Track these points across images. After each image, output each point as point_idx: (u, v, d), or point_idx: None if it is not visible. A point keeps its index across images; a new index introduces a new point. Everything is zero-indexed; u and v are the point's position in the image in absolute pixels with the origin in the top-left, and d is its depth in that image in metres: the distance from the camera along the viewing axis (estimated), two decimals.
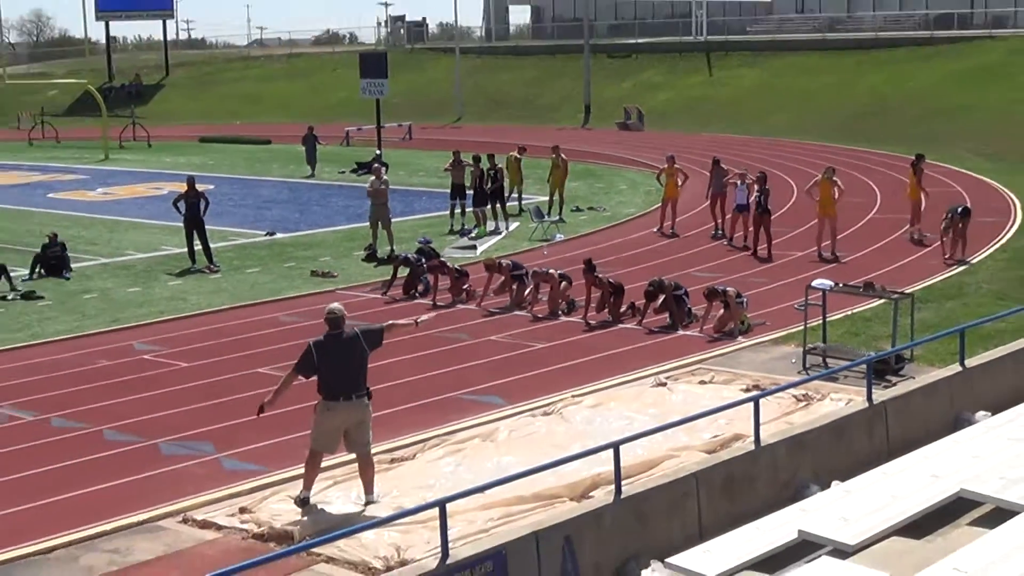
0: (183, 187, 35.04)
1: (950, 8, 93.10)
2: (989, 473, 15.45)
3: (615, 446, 14.44)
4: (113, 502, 16.85)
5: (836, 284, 24.48)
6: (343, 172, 56.86)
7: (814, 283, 24.07)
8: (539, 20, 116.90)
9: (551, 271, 28.21)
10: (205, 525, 16.09)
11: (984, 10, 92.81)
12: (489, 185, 39.63)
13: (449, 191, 41.40)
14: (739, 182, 35.42)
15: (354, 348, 16.37)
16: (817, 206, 33.71)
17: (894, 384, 19.84)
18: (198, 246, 34.27)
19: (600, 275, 27.39)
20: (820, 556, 13.35)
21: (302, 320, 27.05)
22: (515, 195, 43.07)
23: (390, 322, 17.74)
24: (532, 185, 43.48)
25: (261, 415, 16.69)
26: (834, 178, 33.84)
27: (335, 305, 16.91)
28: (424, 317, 18.22)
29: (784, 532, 14.04)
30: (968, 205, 33.89)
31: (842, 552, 13.43)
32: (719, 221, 37.13)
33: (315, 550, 14.41)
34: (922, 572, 12.31)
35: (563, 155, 42.63)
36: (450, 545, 12.77)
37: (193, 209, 34.18)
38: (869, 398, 17.70)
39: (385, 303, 29.09)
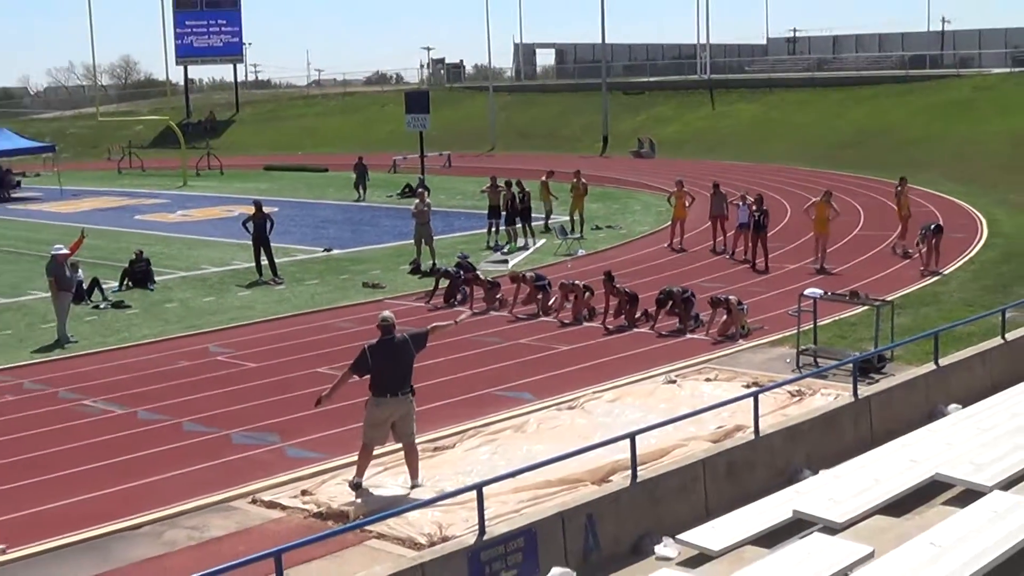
0: (251, 209, 35.11)
1: (923, 51, 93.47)
2: (960, 459, 15.44)
3: (631, 436, 14.44)
4: (191, 485, 16.88)
5: (825, 293, 24.46)
6: (391, 196, 56.89)
7: (806, 292, 24.07)
8: (562, 62, 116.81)
9: (575, 282, 28.21)
10: (271, 505, 16.12)
11: (953, 52, 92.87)
12: (518, 206, 39.70)
13: (487, 212, 41.49)
14: (740, 203, 35.41)
15: (404, 351, 16.39)
16: (813, 224, 33.68)
17: (877, 381, 19.74)
18: (264, 261, 34.34)
19: (617, 285, 27.35)
20: (812, 532, 13.33)
21: (355, 326, 27.07)
22: (542, 214, 43.02)
23: (433, 324, 17.73)
24: (558, 206, 43.36)
25: (318, 407, 16.75)
26: (831, 201, 33.78)
27: (387, 313, 16.92)
28: (462, 316, 18.30)
29: (780, 511, 14.03)
30: (940, 223, 33.88)
31: (831, 529, 13.41)
32: (719, 239, 37.04)
33: (367, 528, 14.38)
34: (902, 546, 12.27)
35: (583, 179, 42.59)
36: (486, 523, 12.77)
37: (260, 229, 34.25)
38: (855, 393, 17.69)
39: (428, 310, 29.07)
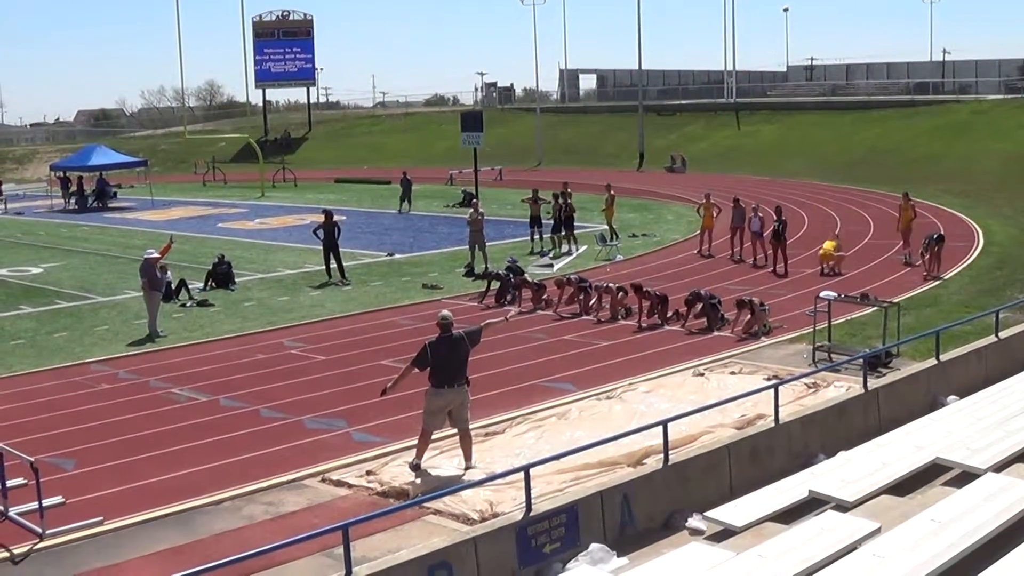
0: (322, 218, 35.20)
1: (926, 78, 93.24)
2: (959, 444, 15.45)
3: (664, 423, 14.46)
4: (268, 465, 16.97)
5: (839, 295, 24.37)
6: (448, 206, 56.92)
7: (821, 294, 23.96)
8: (603, 86, 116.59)
9: (609, 285, 28.22)
10: (339, 484, 16.18)
11: (953, 80, 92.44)
12: (563, 215, 39.72)
13: (528, 221, 41.52)
14: (752, 215, 35.42)
15: (460, 347, 16.43)
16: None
17: (884, 375, 19.65)
18: (333, 265, 34.46)
19: (648, 289, 27.38)
20: (825, 510, 13.31)
21: (415, 323, 27.14)
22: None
23: (487, 322, 17.80)
24: (593, 215, 43.29)
25: (383, 396, 16.81)
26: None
27: (446, 312, 16.96)
28: (512, 313, 18.33)
29: (797, 491, 14.03)
30: (942, 233, 33.74)
31: (843, 507, 13.40)
32: (737, 248, 36.90)
33: (426, 505, 14.42)
34: (906, 522, 12.26)
35: (612, 191, 42.40)
36: (532, 501, 12.80)
37: (329, 235, 34.37)
38: (864, 385, 17.65)
39: (481, 309, 29.10)
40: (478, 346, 17.06)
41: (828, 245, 33.70)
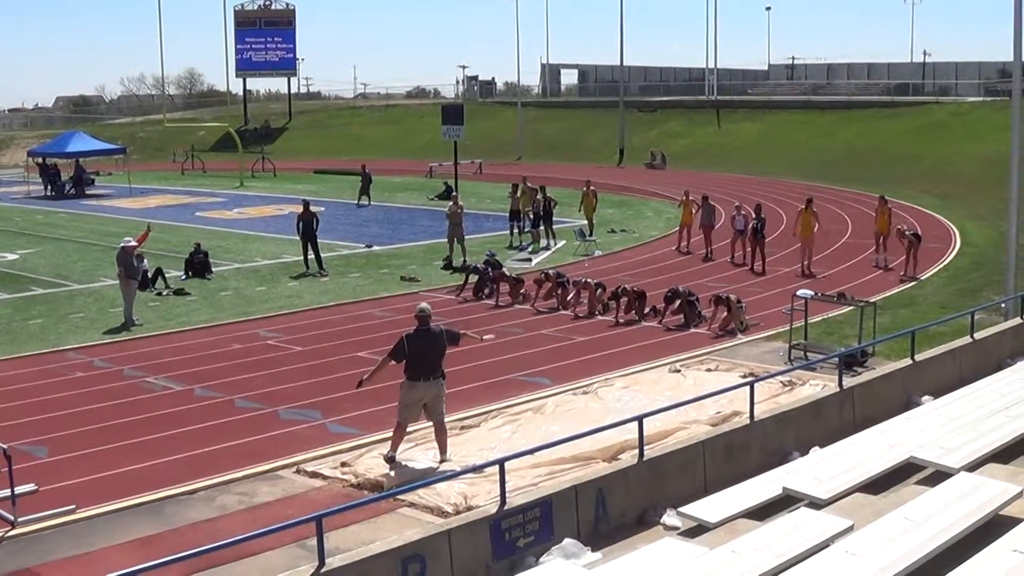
0: (300, 208, 35.22)
1: (907, 79, 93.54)
2: (932, 444, 15.48)
3: (639, 419, 14.44)
4: (242, 456, 16.96)
5: (816, 294, 24.45)
6: (431, 199, 56.82)
7: (798, 293, 24.04)
8: (584, 81, 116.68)
9: (588, 280, 28.24)
10: (314, 475, 16.18)
11: (933, 81, 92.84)
12: (542, 210, 39.75)
13: (508, 215, 41.61)
14: (736, 213, 35.43)
15: (438, 341, 16.47)
16: (798, 231, 33.72)
17: (859, 373, 19.70)
18: (311, 255, 34.44)
19: (625, 286, 27.43)
20: (799, 508, 13.32)
21: (392, 315, 27.15)
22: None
23: (465, 332, 17.84)
24: (573, 211, 43.32)
25: (359, 388, 16.81)
26: (813, 209, 33.80)
27: (424, 305, 16.96)
28: (488, 337, 18.16)
29: (771, 488, 14.04)
30: (919, 232, 33.84)
31: (816, 504, 13.41)
32: (710, 247, 36.94)
33: (400, 497, 14.46)
34: (879, 520, 12.28)
35: (593, 187, 42.51)
36: (507, 495, 12.79)
37: (308, 226, 34.34)
38: (840, 384, 17.68)
39: (458, 303, 29.12)
40: (455, 348, 17.11)
41: (804, 220, 33.58)
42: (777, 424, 16.30)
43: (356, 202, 55.55)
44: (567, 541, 12.80)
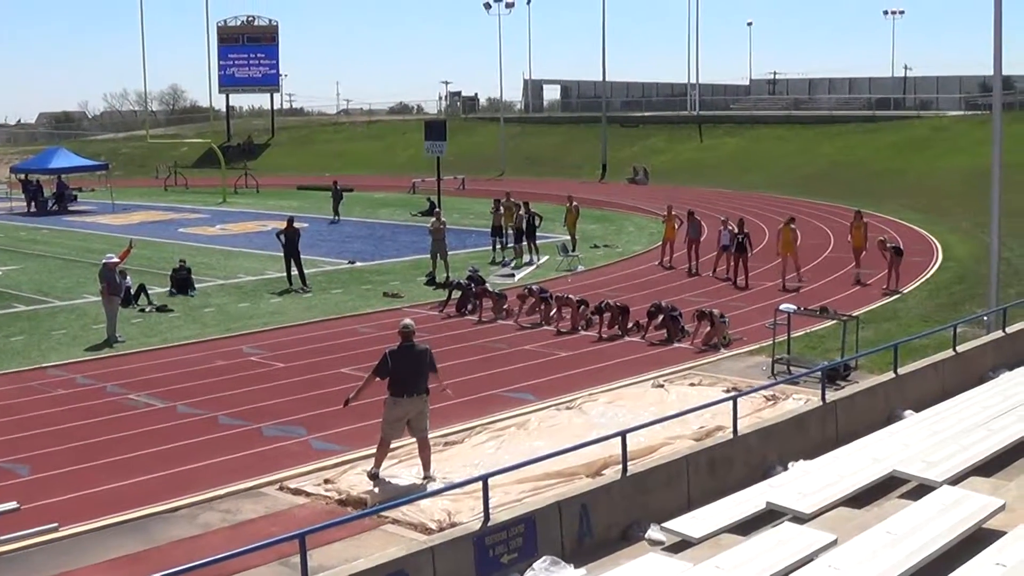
0: (284, 224, 35.17)
1: (888, 94, 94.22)
2: (915, 457, 15.51)
3: (623, 434, 14.44)
4: (225, 473, 16.90)
5: (798, 308, 24.48)
6: (415, 215, 56.79)
7: (781, 307, 24.08)
8: (567, 97, 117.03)
9: (571, 296, 28.25)
10: (297, 492, 16.13)
11: (914, 96, 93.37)
12: (524, 226, 39.76)
13: (490, 231, 41.71)
14: (723, 228, 35.44)
15: (423, 358, 16.41)
16: (779, 246, 33.81)
17: (842, 387, 19.73)
18: (295, 271, 34.39)
19: (608, 301, 27.46)
20: (783, 522, 13.32)
21: (376, 331, 27.11)
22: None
23: (437, 372, 16.97)
24: (556, 226, 43.36)
25: (346, 407, 16.73)
26: (793, 226, 33.89)
27: (408, 321, 16.91)
28: (449, 392, 17.57)
29: (755, 503, 14.03)
30: (900, 246, 33.94)
31: (800, 519, 13.42)
32: (694, 262, 36.95)
33: (384, 514, 14.40)
34: (862, 534, 12.29)
35: (575, 202, 42.60)
36: (491, 511, 12.76)
37: (291, 242, 34.31)
38: (823, 398, 17.69)
39: (441, 319, 29.10)
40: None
41: (785, 236, 33.67)
42: (760, 438, 16.30)
43: (331, 218, 55.56)
44: (547, 557, 12.76)
